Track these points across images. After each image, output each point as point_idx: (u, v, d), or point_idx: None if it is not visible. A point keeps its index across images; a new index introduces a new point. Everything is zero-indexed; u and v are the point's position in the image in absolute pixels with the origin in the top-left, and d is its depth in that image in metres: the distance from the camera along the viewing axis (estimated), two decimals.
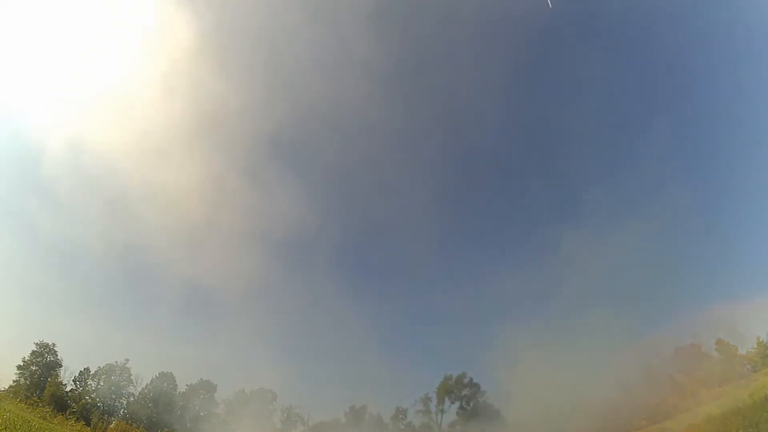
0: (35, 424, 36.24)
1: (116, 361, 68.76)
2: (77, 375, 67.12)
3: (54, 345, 66.66)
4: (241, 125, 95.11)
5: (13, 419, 32.83)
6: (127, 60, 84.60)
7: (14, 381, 62.97)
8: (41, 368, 65.01)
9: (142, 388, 68.50)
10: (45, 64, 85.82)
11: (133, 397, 68.01)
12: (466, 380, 73.43)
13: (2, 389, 59.44)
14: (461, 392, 72.82)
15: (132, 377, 68.78)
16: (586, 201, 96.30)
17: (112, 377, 67.66)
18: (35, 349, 65.79)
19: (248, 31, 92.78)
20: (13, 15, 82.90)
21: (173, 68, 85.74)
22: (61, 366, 66.26)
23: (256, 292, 79.90)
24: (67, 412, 56.98)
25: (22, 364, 64.48)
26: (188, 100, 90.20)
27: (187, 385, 70.44)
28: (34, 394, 57.68)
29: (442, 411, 72.65)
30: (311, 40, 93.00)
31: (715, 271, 79.90)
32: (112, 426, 58.63)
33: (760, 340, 53.98)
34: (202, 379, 71.31)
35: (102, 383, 67.18)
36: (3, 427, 28.40)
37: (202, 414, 69.20)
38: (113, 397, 67.05)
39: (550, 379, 69.08)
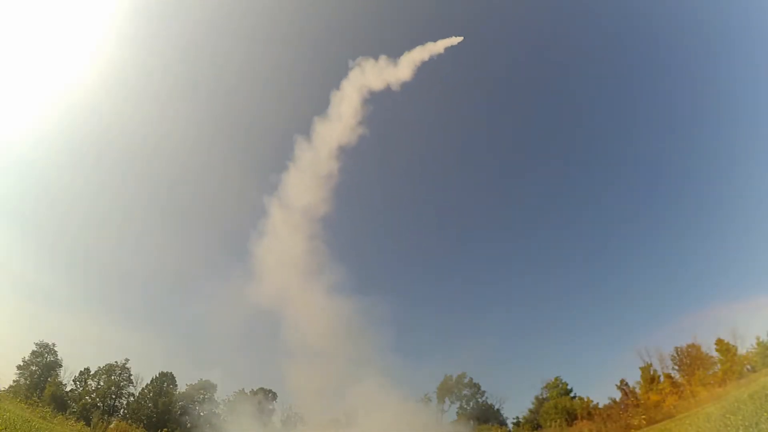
0: (35, 424, 36.14)
1: (116, 361, 68.94)
2: (77, 375, 67.15)
3: (54, 345, 66.83)
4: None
5: (13, 419, 32.74)
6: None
7: (14, 381, 63.01)
8: (41, 368, 64.94)
9: (142, 388, 68.53)
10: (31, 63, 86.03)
11: (133, 397, 68.02)
12: (466, 380, 73.44)
13: (2, 389, 59.34)
14: (461, 392, 72.77)
15: (132, 377, 68.98)
16: (586, 202, 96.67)
17: (112, 377, 67.62)
18: (35, 349, 65.81)
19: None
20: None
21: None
22: (61, 366, 66.29)
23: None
24: (67, 412, 56.91)
25: (22, 364, 64.45)
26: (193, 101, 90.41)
27: (187, 384, 70.60)
28: (34, 394, 57.56)
29: (442, 411, 72.63)
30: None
31: (715, 271, 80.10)
32: (112, 426, 58.50)
33: (760, 340, 53.86)
34: (202, 379, 71.50)
35: (102, 383, 67.15)
36: (3, 427, 28.32)
37: (202, 414, 69.14)
38: (113, 397, 67.01)
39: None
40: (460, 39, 64.72)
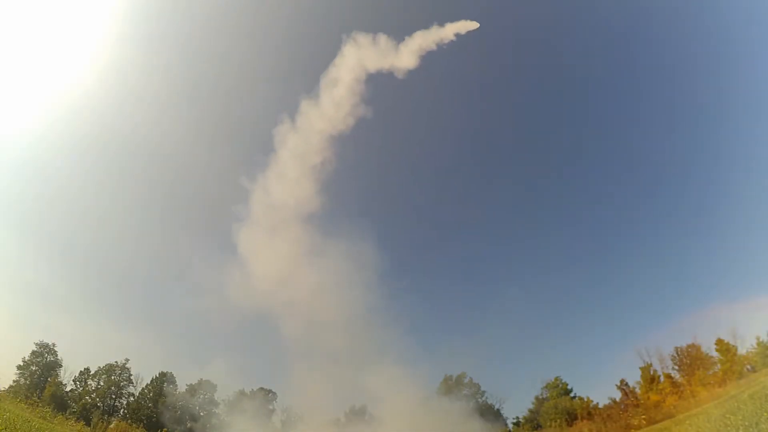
0: (35, 424, 36.11)
1: (116, 361, 68.98)
2: (77, 375, 67.18)
3: (54, 345, 66.86)
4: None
5: (13, 419, 32.70)
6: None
7: (14, 381, 63.03)
8: (41, 368, 64.95)
9: (142, 388, 68.53)
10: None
11: (133, 397, 68.02)
12: (466, 380, 73.37)
13: (2, 389, 59.34)
14: (461, 392, 72.67)
15: (132, 377, 69.01)
16: (586, 202, 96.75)
17: (112, 377, 67.63)
18: (35, 349, 65.83)
19: None
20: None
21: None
22: (61, 366, 66.32)
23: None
24: (67, 412, 56.89)
25: (22, 364, 64.47)
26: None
27: (187, 384, 70.59)
28: (34, 394, 57.53)
29: (446, 411, 72.33)
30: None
31: (715, 271, 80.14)
32: (112, 426, 58.52)
33: (760, 340, 53.90)
34: (202, 379, 71.45)
35: (102, 383, 67.15)
36: (3, 427, 28.31)
37: (202, 414, 69.11)
38: (113, 397, 67.02)
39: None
40: (476, 25, 56.37)
